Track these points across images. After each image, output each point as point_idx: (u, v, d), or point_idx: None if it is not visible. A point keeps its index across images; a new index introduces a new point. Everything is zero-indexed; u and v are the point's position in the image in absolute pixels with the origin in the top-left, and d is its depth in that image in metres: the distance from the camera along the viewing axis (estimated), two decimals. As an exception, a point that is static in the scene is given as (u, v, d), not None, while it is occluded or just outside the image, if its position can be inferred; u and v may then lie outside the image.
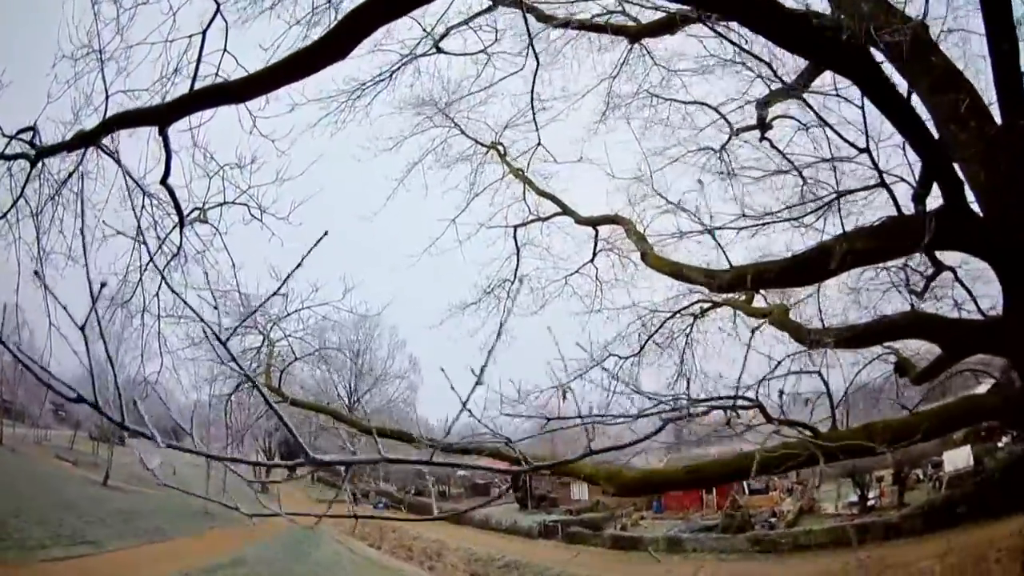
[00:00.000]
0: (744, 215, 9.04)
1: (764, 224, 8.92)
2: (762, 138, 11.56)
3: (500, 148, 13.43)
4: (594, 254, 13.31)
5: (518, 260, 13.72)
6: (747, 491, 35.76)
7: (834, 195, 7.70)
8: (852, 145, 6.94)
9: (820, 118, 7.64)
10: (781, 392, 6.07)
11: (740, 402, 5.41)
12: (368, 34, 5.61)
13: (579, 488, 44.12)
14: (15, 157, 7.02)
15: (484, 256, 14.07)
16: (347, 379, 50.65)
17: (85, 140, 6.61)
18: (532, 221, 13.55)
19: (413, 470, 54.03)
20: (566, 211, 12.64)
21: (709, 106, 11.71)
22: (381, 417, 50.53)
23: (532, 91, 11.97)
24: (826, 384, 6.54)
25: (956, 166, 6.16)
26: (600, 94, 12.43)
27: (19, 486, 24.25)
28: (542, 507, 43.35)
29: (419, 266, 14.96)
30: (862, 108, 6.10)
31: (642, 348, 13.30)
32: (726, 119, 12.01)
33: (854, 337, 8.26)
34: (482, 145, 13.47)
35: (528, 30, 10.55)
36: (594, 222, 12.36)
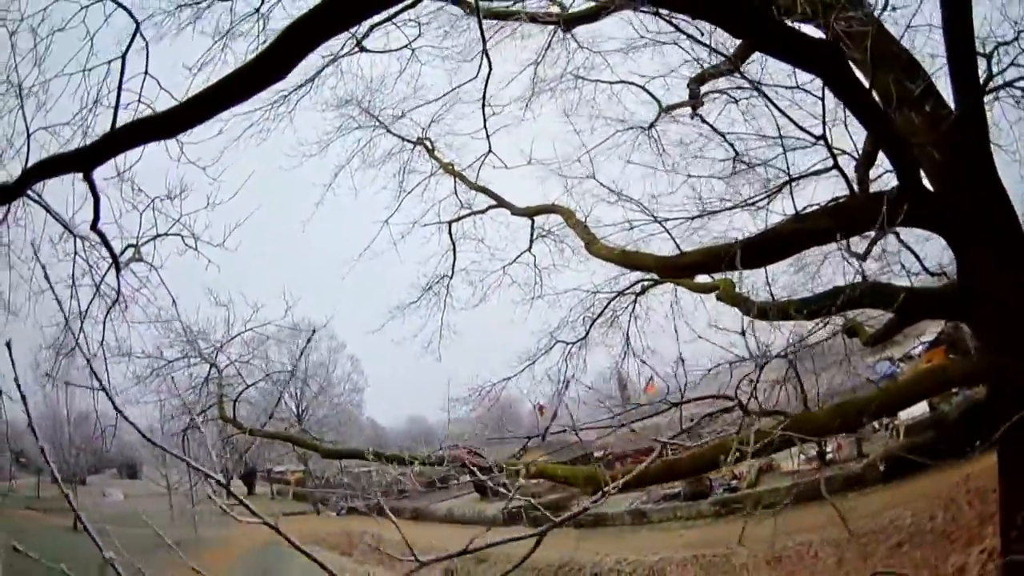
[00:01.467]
0: (700, 202, 8.94)
1: (716, 212, 8.84)
2: (693, 115, 11.60)
3: (427, 143, 13.15)
4: (531, 243, 13.28)
5: (455, 255, 13.70)
6: (703, 455, 36.77)
7: (786, 180, 7.60)
8: (804, 131, 6.81)
9: (764, 95, 7.46)
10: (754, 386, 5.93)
11: (720, 402, 5.27)
12: (311, 49, 5.12)
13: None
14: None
15: (420, 254, 14.17)
16: (292, 390, 49.56)
17: (6, 195, 6.18)
18: (467, 215, 13.49)
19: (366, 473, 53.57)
20: (502, 203, 12.47)
21: (636, 84, 11.60)
22: (329, 423, 49.74)
23: (484, 97, 11.75)
24: (795, 369, 6.45)
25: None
26: (524, 82, 12.19)
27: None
28: (501, 494, 43.23)
29: (356, 270, 14.61)
30: (822, 99, 5.97)
31: (587, 333, 13.42)
32: (654, 96, 11.97)
33: (808, 309, 8.19)
34: (408, 142, 13.23)
35: (483, 35, 10.35)
36: (531, 212, 12.21)
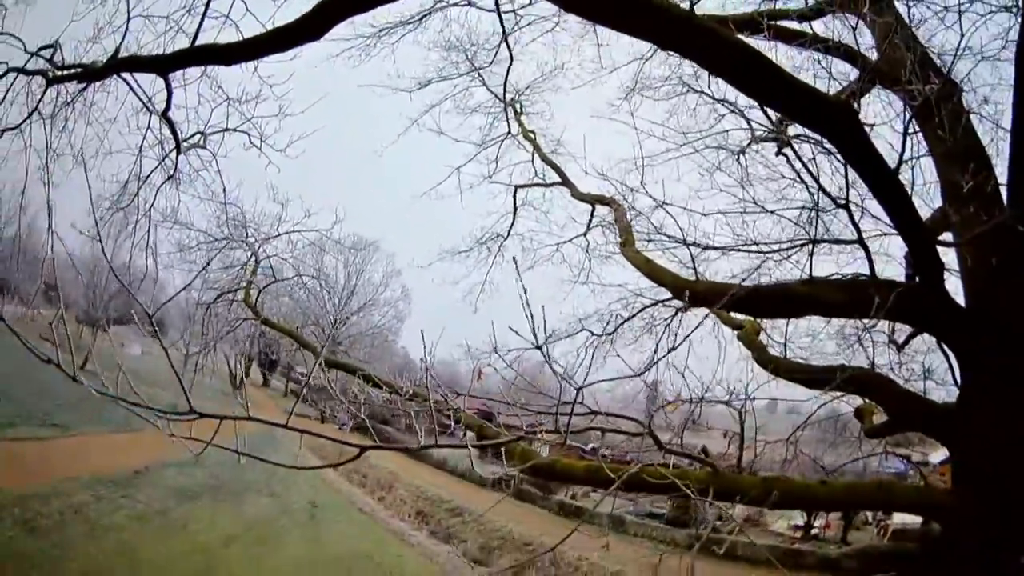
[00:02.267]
0: (735, 237, 8.93)
1: (737, 250, 8.84)
2: (779, 152, 11.43)
3: (517, 106, 13.35)
4: (588, 228, 13.35)
5: (514, 218, 13.89)
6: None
7: (808, 242, 7.52)
8: (830, 197, 6.66)
9: (802, 162, 7.33)
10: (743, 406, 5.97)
11: (628, 424, 5.35)
12: (342, 19, 5.79)
13: (543, 449, 45.06)
14: (33, 73, 7.34)
15: (482, 208, 14.30)
16: (335, 300, 51.39)
17: (91, 76, 6.93)
18: (534, 184, 13.63)
19: (380, 400, 55.24)
20: (565, 182, 12.54)
21: (735, 107, 11.45)
22: (362, 341, 51.39)
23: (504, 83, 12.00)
24: (742, 427, 6.38)
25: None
26: (629, 73, 12.15)
27: None
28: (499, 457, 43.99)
29: (417, 207, 15.26)
30: (845, 166, 5.80)
31: (616, 329, 13.49)
32: (750, 123, 11.80)
33: (806, 378, 8.13)
34: (500, 100, 13.34)
35: (502, 25, 10.69)
36: (589, 199, 12.26)
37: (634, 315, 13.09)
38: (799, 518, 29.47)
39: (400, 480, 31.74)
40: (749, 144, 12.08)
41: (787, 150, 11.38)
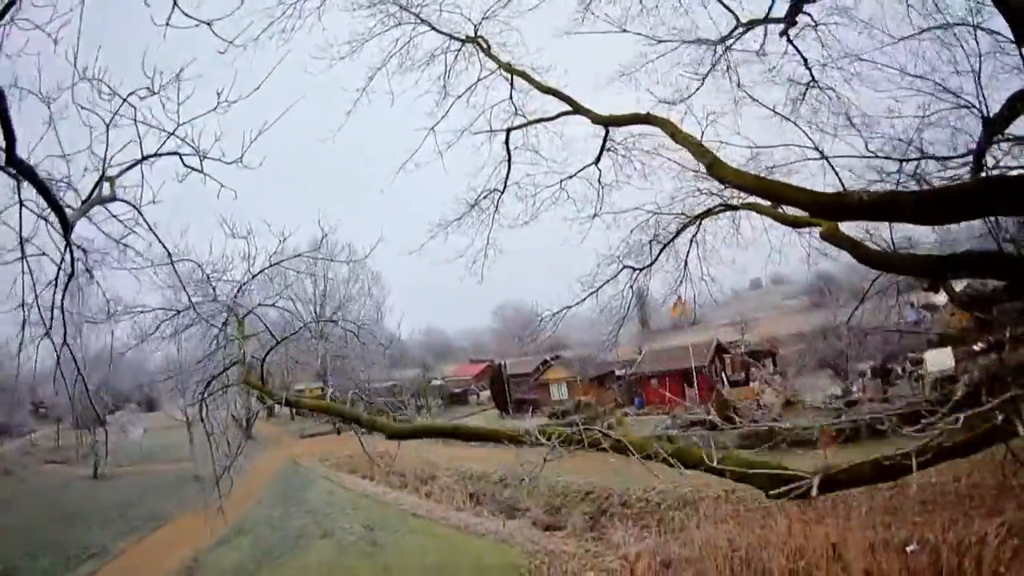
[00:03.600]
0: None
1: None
2: (783, 33, 10.76)
3: (482, 41, 11.33)
4: (600, 156, 11.93)
5: (509, 166, 12.28)
6: (726, 383, 36.30)
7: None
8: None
9: None
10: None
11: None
12: None
13: (558, 389, 44.37)
14: None
15: (465, 167, 12.56)
16: (311, 308, 49.26)
17: None
18: (532, 123, 11.78)
19: (386, 389, 54.13)
20: (578, 109, 10.69)
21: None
22: (350, 340, 49.53)
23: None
24: None
25: None
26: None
27: (21, 511, 23.71)
28: (523, 410, 43.46)
29: (391, 186, 13.32)
30: None
31: (656, 258, 12.68)
32: (731, 10, 10.68)
33: (923, 267, 7.43)
34: (457, 40, 11.39)
35: None
36: (619, 121, 10.54)
37: (677, 234, 12.25)
38: (833, 387, 29.48)
39: (438, 468, 30.59)
40: (734, 30, 11.15)
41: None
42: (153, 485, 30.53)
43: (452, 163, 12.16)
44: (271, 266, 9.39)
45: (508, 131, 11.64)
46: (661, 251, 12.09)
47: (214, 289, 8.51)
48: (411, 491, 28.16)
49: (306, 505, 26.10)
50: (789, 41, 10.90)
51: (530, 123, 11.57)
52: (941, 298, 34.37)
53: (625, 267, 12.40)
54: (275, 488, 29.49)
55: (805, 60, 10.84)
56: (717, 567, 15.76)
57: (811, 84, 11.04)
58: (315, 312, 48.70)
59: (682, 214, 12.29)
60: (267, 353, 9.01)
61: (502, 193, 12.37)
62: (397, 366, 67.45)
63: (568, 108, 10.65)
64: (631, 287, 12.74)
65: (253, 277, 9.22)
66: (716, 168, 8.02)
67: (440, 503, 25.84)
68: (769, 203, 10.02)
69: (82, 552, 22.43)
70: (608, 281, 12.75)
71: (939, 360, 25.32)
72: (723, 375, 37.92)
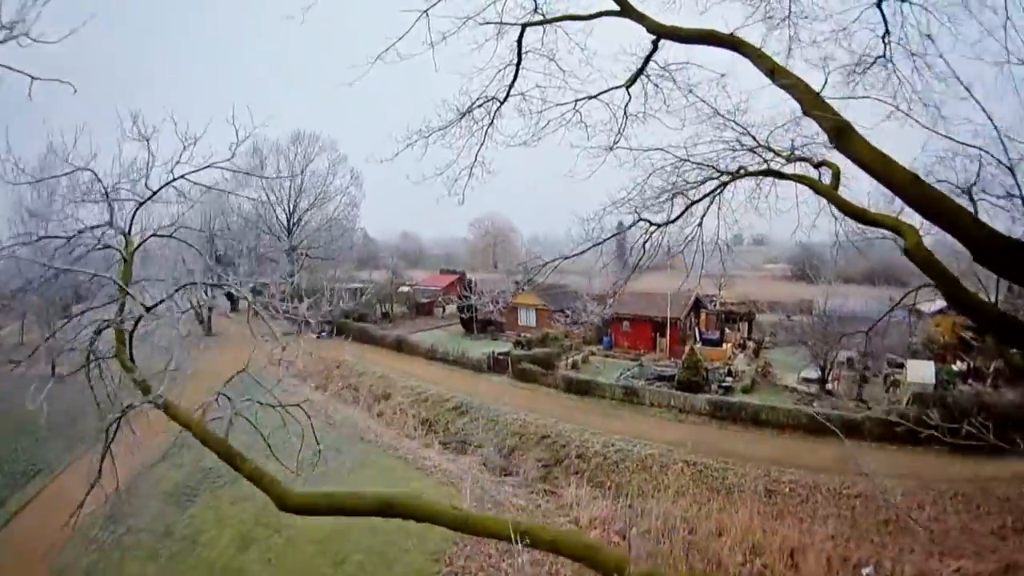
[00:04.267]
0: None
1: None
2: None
3: None
4: (636, 77, 9.81)
5: (517, 71, 9.98)
6: (699, 340, 35.34)
7: None
8: None
9: None
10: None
11: None
12: None
13: (526, 314, 43.05)
14: None
15: (460, 67, 10.13)
16: (285, 203, 46.69)
17: None
18: (563, 19, 9.45)
19: (352, 292, 52.46)
20: (627, 10, 8.46)
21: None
22: (321, 237, 47.38)
23: None
24: None
25: None
26: None
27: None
28: (488, 332, 42.25)
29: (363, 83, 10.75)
30: None
31: (681, 214, 10.80)
32: None
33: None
34: None
35: None
36: (685, 36, 8.37)
37: (714, 193, 10.33)
38: (808, 369, 28.71)
39: (394, 385, 29.48)
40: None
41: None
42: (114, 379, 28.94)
43: (445, 59, 9.79)
44: (173, 180, 7.33)
45: (523, 27, 9.29)
46: (687, 209, 10.19)
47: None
48: (363, 408, 27.08)
49: (253, 419, 24.59)
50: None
51: (556, 20, 9.23)
52: (934, 307, 34.18)
53: (642, 220, 10.51)
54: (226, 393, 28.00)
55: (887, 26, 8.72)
56: (672, 550, 15.09)
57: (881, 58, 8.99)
58: (288, 208, 46.20)
59: (712, 167, 10.40)
60: (137, 322, 7.12)
61: (502, 103, 10.15)
62: (366, 267, 65.58)
63: (614, 6, 8.40)
64: (644, 245, 10.92)
65: (154, 193, 7.24)
66: (844, 139, 6.17)
67: (391, 427, 24.79)
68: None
69: (30, 468, 21.56)
70: (618, 234, 10.90)
71: (920, 372, 24.97)
72: (696, 330, 37.03)
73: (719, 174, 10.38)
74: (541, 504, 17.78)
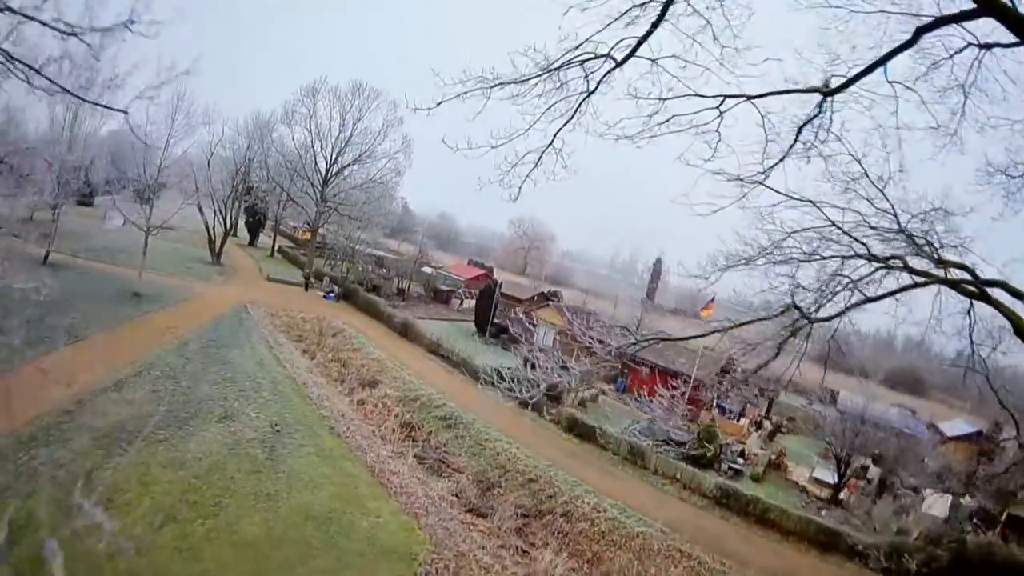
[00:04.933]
0: None
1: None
2: None
3: None
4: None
5: (651, 30, 7.37)
6: (715, 406, 32.57)
7: None
8: None
9: None
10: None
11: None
12: None
13: (544, 333, 40.42)
14: None
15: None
16: (329, 151, 44.46)
17: None
18: None
19: (375, 258, 50.12)
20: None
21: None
22: (355, 197, 45.14)
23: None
24: None
25: None
26: None
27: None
28: (501, 340, 39.76)
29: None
30: None
31: (848, 309, 9.49)
32: None
33: None
34: None
35: None
36: None
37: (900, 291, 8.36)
38: (822, 469, 26.13)
39: (386, 371, 27.05)
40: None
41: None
42: (88, 292, 27.41)
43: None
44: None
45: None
46: (859, 304, 7.75)
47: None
48: (346, 391, 24.61)
49: (226, 371, 22.68)
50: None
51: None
52: (953, 430, 31.60)
53: (793, 307, 8.08)
54: (207, 334, 25.93)
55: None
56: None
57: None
58: (330, 157, 43.91)
59: (876, 259, 8.11)
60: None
61: (618, 65, 7.55)
62: (397, 237, 63.37)
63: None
64: (806, 336, 8.65)
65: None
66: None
67: (368, 420, 22.22)
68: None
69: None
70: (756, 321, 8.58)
71: (937, 506, 23.79)
72: (717, 400, 34.23)
73: (898, 270, 8.17)
74: (509, 566, 15.16)
